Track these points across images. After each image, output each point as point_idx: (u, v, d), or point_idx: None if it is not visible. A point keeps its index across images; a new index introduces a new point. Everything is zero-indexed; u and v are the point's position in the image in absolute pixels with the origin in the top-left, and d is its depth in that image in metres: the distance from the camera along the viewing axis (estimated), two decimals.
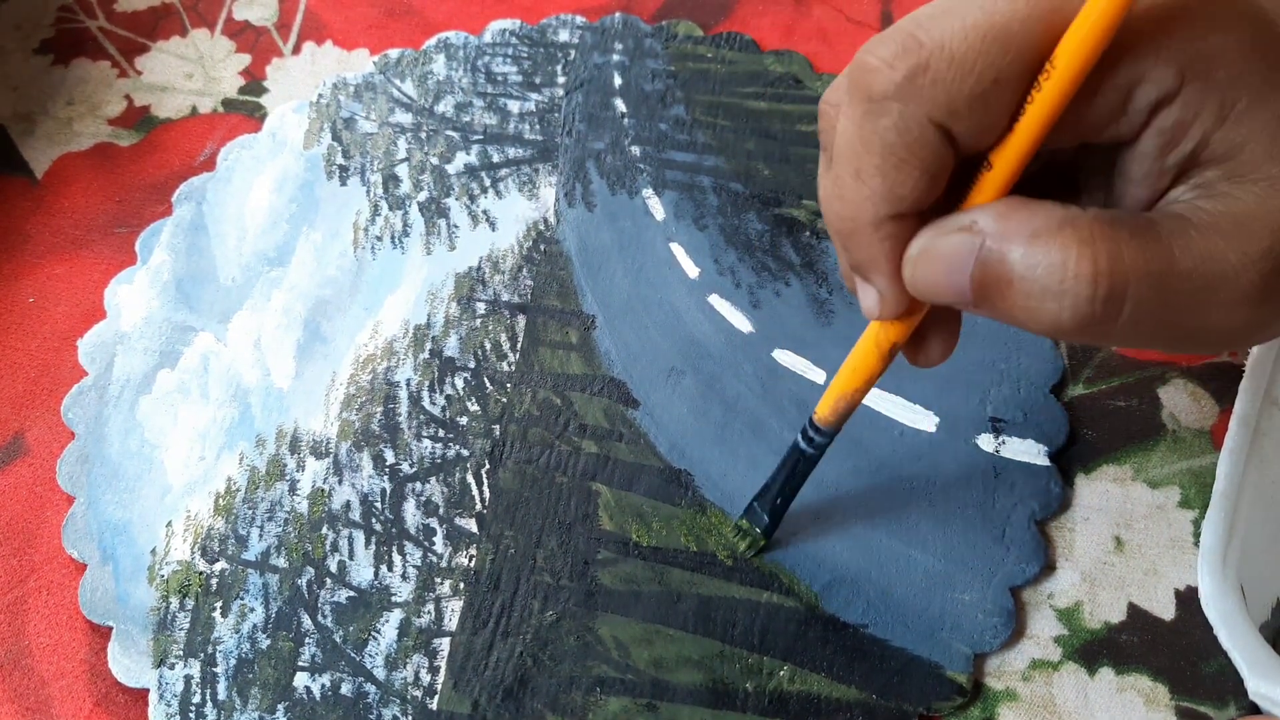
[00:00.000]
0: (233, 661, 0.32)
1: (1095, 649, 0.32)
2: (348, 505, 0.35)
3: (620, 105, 0.44)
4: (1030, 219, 0.21)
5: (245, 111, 0.45)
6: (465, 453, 0.35)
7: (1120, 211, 0.21)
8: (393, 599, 0.33)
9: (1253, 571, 0.29)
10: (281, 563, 0.34)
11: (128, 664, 0.32)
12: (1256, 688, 0.26)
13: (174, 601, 0.33)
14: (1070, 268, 0.20)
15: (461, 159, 0.43)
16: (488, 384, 0.37)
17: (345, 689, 0.31)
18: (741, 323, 0.38)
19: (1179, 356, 0.36)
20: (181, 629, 0.33)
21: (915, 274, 0.23)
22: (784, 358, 0.37)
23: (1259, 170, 0.21)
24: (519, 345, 0.38)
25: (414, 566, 0.33)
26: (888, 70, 0.21)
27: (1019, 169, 0.22)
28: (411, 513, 0.34)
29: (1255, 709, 0.30)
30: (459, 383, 0.37)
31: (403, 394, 0.37)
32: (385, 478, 0.35)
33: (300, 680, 0.32)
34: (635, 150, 0.43)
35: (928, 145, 0.22)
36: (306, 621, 0.33)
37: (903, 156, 0.22)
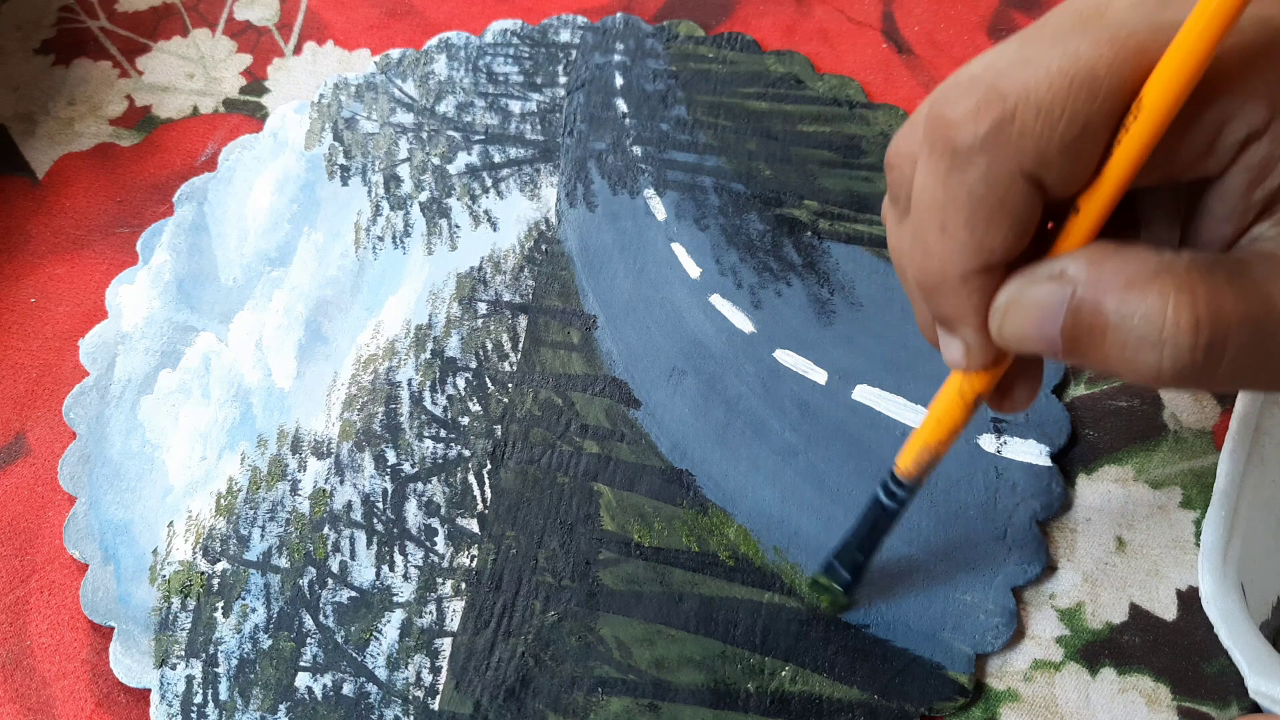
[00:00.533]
0: (234, 662, 0.32)
1: (1097, 649, 0.32)
2: (349, 505, 0.35)
3: (621, 105, 0.44)
4: (1124, 266, 0.20)
5: (246, 112, 0.45)
6: (467, 453, 0.35)
7: (1212, 255, 0.21)
8: (394, 599, 0.33)
9: (1253, 570, 0.29)
10: (283, 563, 0.34)
11: (129, 664, 0.32)
12: (1257, 686, 0.26)
13: (175, 601, 0.33)
14: (1169, 316, 0.20)
15: (463, 159, 0.43)
16: (489, 384, 0.37)
17: (347, 689, 0.31)
18: (743, 323, 0.38)
19: None
20: (183, 629, 0.33)
21: (1004, 325, 0.23)
22: (785, 358, 0.37)
23: None
24: (520, 345, 0.38)
25: (416, 567, 0.33)
26: (971, 123, 0.21)
27: (1108, 213, 0.22)
28: (413, 513, 0.34)
29: (1257, 708, 0.30)
30: (460, 383, 0.37)
31: (404, 394, 0.37)
32: (387, 478, 0.35)
33: (302, 680, 0.32)
34: (636, 150, 0.43)
35: (1018, 196, 0.21)
36: (308, 621, 0.33)
37: (992, 209, 0.21)
